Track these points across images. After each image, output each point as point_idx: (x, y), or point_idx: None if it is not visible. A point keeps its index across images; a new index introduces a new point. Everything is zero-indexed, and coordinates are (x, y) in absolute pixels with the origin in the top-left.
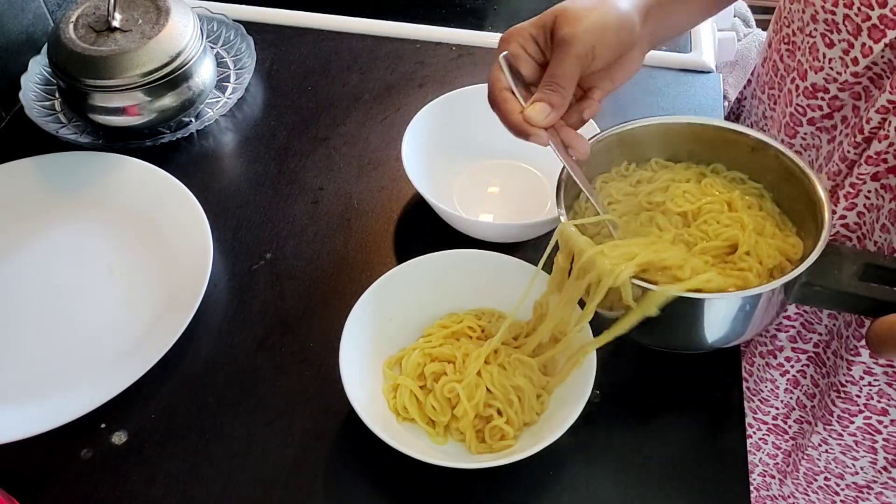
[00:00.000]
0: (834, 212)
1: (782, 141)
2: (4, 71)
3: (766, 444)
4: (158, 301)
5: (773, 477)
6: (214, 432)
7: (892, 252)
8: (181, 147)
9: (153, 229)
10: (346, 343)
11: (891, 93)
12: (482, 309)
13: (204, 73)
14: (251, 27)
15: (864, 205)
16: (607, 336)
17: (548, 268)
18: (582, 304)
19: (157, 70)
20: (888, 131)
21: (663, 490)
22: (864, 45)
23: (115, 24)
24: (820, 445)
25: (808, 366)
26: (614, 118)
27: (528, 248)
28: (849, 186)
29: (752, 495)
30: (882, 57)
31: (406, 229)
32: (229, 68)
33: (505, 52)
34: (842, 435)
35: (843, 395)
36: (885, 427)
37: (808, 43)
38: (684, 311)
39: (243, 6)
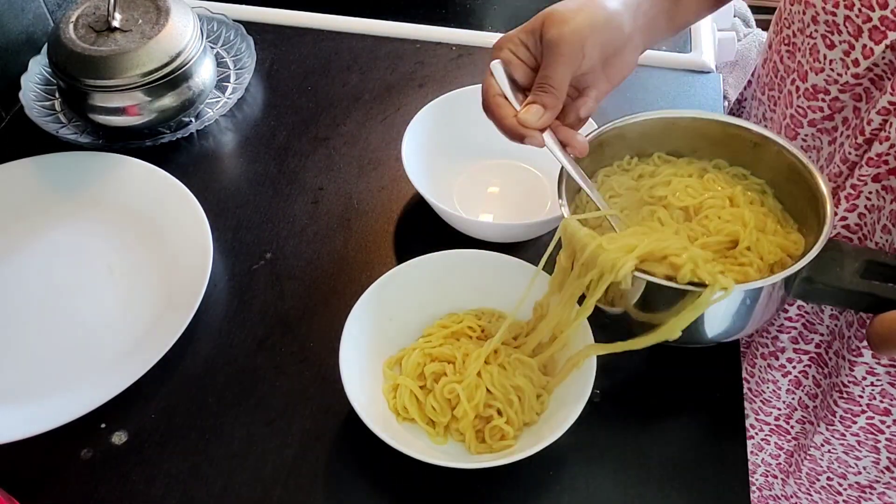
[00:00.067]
0: (835, 212)
1: None
2: (4, 71)
3: (769, 444)
4: (158, 301)
5: (776, 477)
6: (214, 432)
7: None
8: (181, 147)
9: (153, 229)
10: (346, 343)
11: (892, 94)
12: (482, 309)
13: (204, 73)
14: (251, 27)
15: (865, 206)
16: (615, 348)
17: (549, 268)
18: (582, 300)
19: (157, 70)
20: (889, 133)
21: (663, 490)
22: (864, 46)
23: (115, 24)
24: (822, 446)
25: (810, 366)
26: (614, 118)
27: (528, 248)
28: (850, 188)
29: (755, 495)
30: (883, 58)
31: (406, 229)
32: (229, 68)
33: (497, 59)
34: (844, 435)
35: (845, 395)
36: (888, 427)
37: (808, 44)
38: (685, 304)
39: (243, 6)
